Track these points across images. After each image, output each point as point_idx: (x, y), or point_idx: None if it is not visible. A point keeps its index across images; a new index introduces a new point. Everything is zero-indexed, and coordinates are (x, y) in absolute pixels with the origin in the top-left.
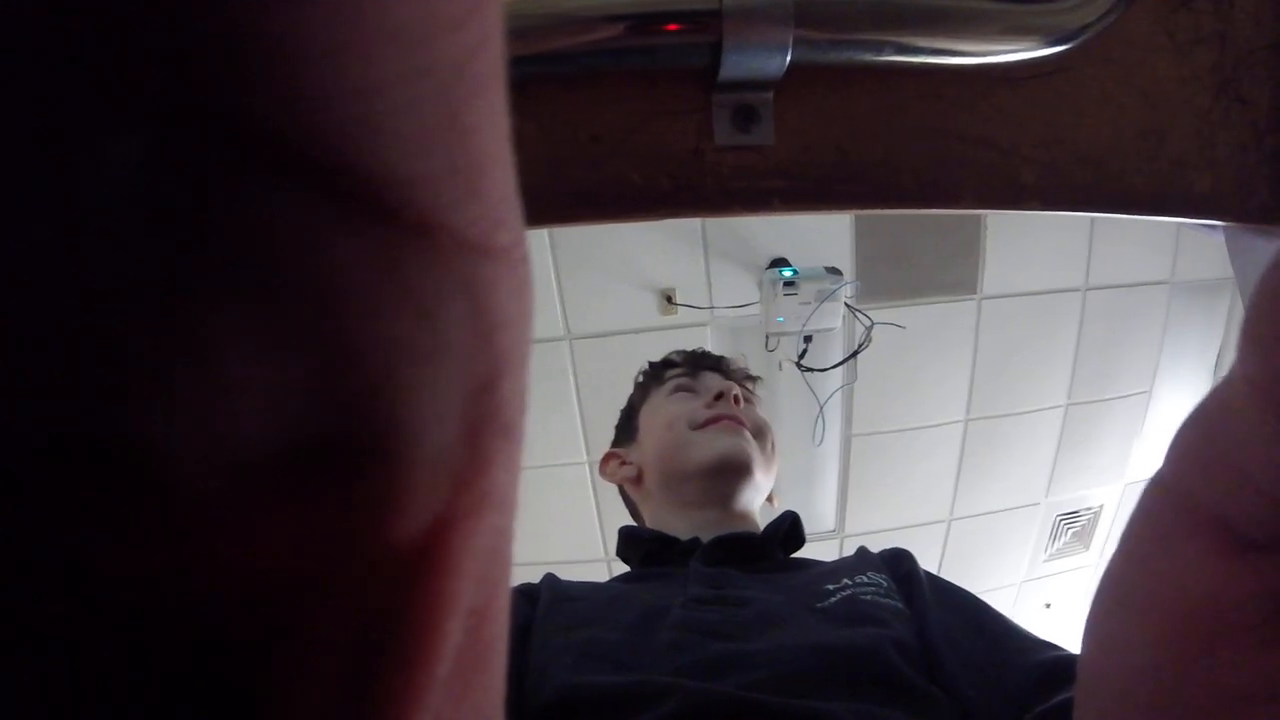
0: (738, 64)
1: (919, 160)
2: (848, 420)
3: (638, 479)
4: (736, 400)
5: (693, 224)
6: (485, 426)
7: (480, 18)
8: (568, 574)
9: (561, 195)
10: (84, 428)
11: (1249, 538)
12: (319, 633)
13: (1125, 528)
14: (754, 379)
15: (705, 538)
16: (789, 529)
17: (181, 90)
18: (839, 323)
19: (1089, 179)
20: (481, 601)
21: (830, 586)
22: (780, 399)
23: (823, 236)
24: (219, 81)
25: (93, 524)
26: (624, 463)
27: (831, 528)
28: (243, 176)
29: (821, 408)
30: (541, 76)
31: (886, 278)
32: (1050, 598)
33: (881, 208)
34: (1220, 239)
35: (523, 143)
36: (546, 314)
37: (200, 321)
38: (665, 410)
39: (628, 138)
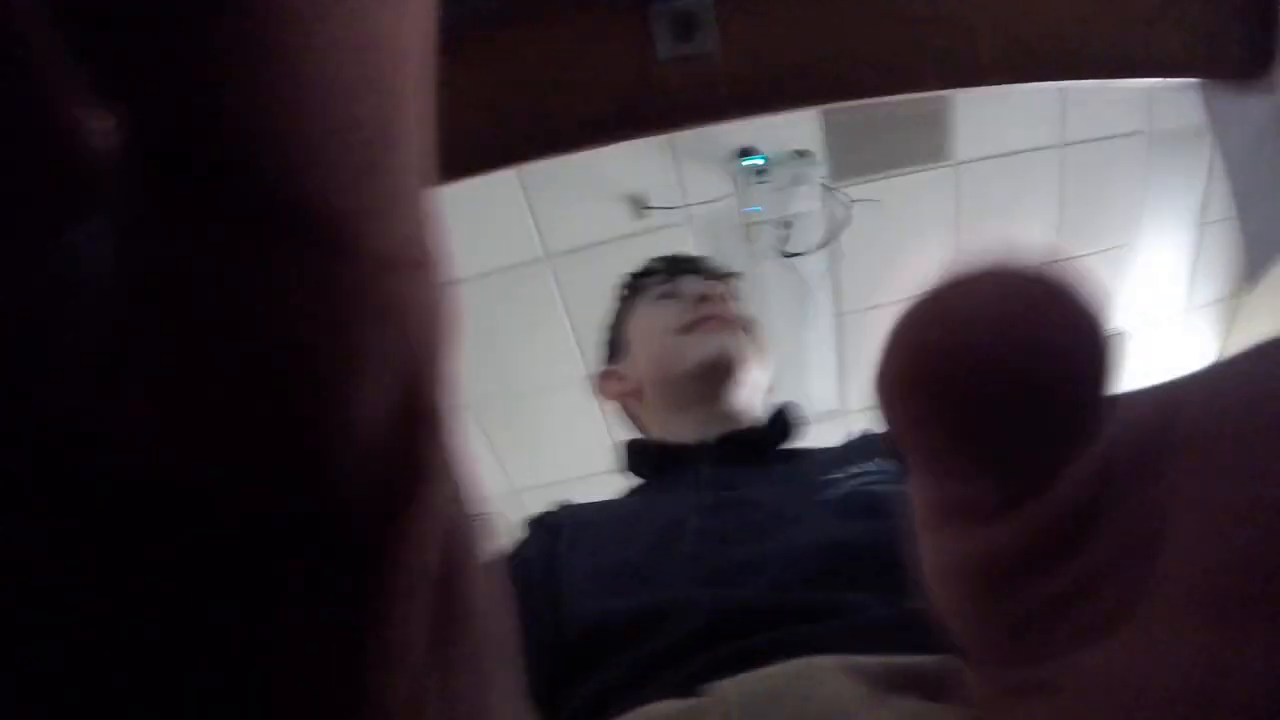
0: None
1: (874, 48)
2: (838, 300)
3: (636, 392)
4: (719, 299)
5: None
6: (415, 425)
7: (404, 75)
8: (586, 489)
9: (506, 136)
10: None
11: (982, 511)
12: (297, 612)
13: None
14: (734, 274)
15: (710, 438)
16: (789, 418)
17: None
18: (817, 205)
19: (1052, 47)
20: (449, 571)
21: (838, 475)
22: (768, 288)
23: (788, 121)
24: (199, 134)
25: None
26: (620, 378)
27: (834, 407)
28: (206, 215)
29: (811, 291)
30: (465, 19)
31: (858, 154)
32: None
33: (840, 100)
34: (1194, 95)
35: (453, 88)
36: (522, 238)
37: (154, 354)
38: (651, 319)
39: (566, 68)
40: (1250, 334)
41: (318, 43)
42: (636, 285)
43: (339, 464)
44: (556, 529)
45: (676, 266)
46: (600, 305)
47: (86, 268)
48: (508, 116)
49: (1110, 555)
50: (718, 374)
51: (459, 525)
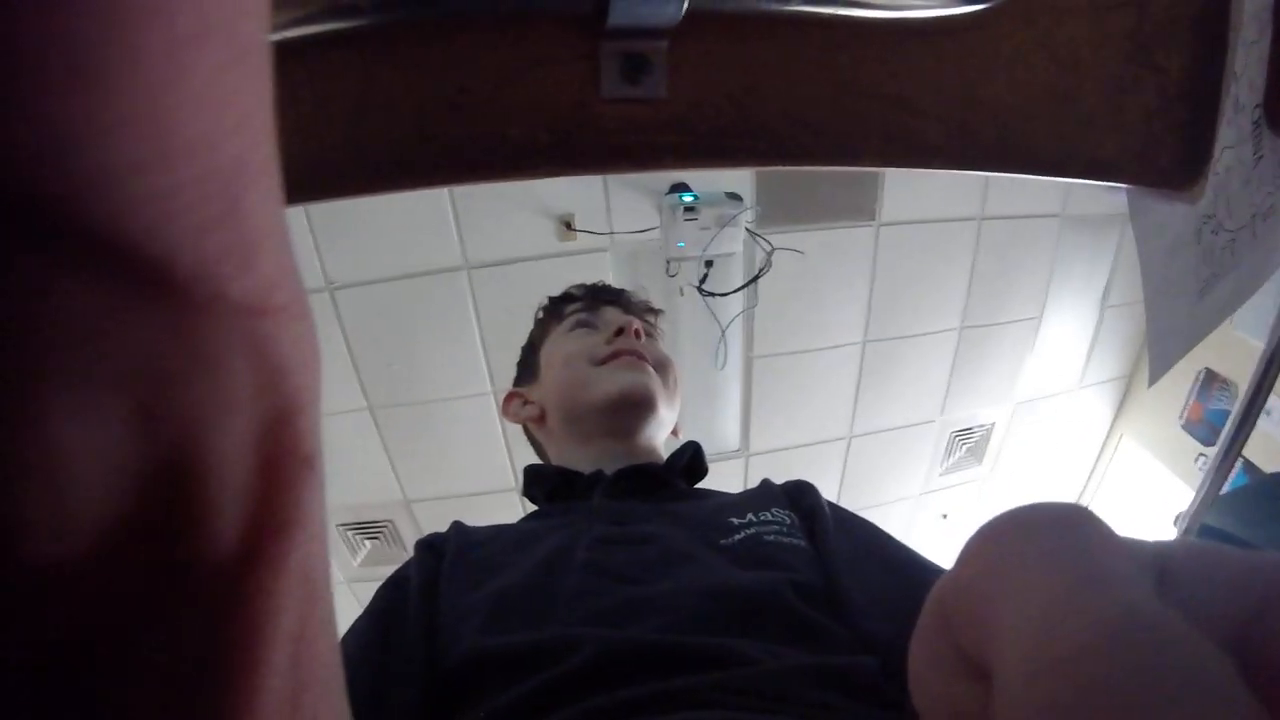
0: (628, 9)
1: (821, 116)
2: (749, 343)
3: (540, 417)
4: (637, 334)
5: None
6: (284, 458)
7: (255, 122)
8: (479, 506)
9: (429, 152)
10: None
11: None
12: (151, 664)
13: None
14: (655, 312)
15: (608, 471)
16: (690, 458)
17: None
18: (739, 247)
19: (995, 138)
20: (302, 626)
21: (734, 520)
22: (682, 324)
23: None
24: (40, 182)
25: None
26: (526, 401)
27: (736, 447)
28: (51, 267)
29: (723, 331)
30: (403, 23)
31: (787, 203)
32: (946, 509)
33: (780, 164)
34: (1119, 195)
35: (385, 96)
36: (444, 243)
37: (16, 398)
38: (565, 346)
39: (502, 89)
40: (1141, 415)
41: (177, 100)
42: (556, 310)
43: (199, 512)
44: (441, 552)
45: (598, 296)
46: (513, 321)
47: None
48: (443, 132)
49: None
50: (626, 410)
51: (317, 584)
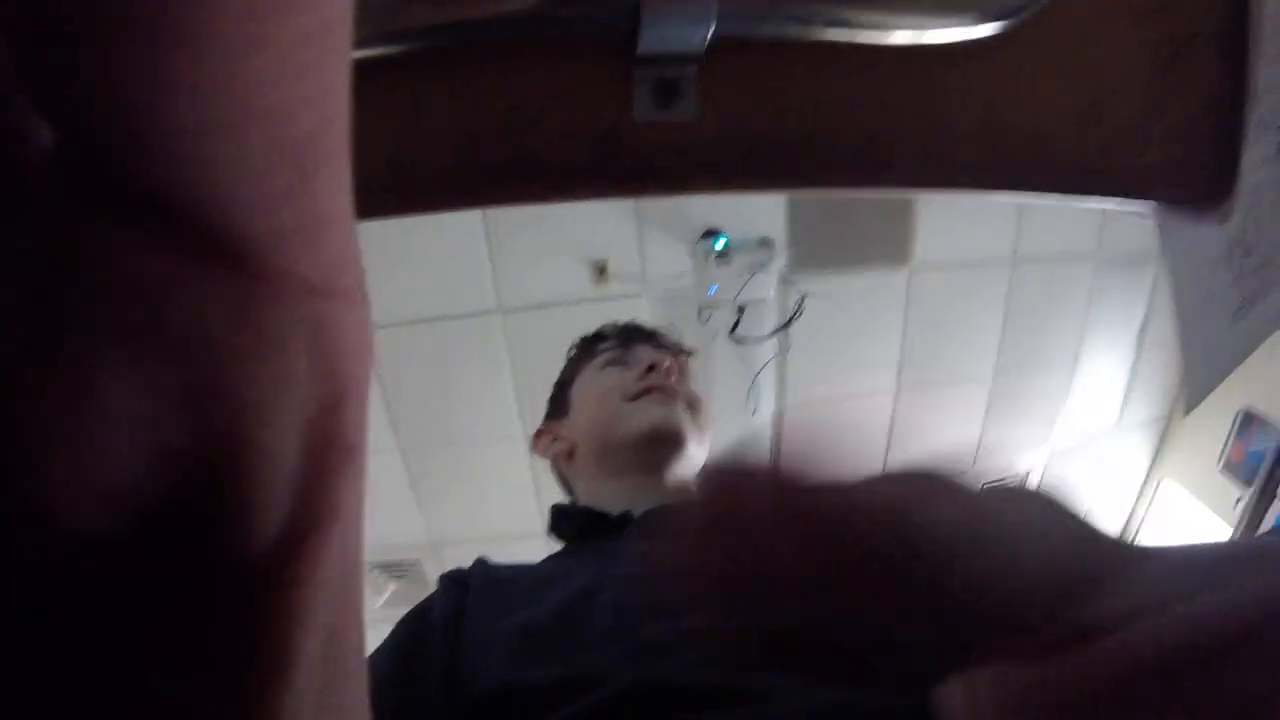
0: (658, 36)
1: (850, 139)
2: (782, 390)
3: (570, 454)
4: (669, 372)
5: None
6: (330, 447)
7: (331, 98)
8: (506, 549)
9: (472, 174)
10: None
11: None
12: (184, 651)
13: None
14: (687, 351)
15: (637, 510)
16: None
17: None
18: (772, 293)
19: (1023, 159)
20: (335, 620)
21: None
22: (715, 370)
23: (756, 207)
24: (114, 145)
25: None
26: (556, 438)
27: None
28: (118, 232)
29: (755, 378)
30: (457, 45)
31: (819, 248)
32: None
33: (810, 187)
34: (1148, 221)
35: (436, 113)
36: (479, 286)
37: (70, 364)
38: (597, 383)
39: (544, 111)
40: (1182, 457)
41: (256, 65)
42: (589, 347)
43: (245, 498)
44: (466, 585)
45: (631, 335)
46: (546, 364)
47: None
48: (485, 154)
49: None
50: (656, 445)
51: (351, 578)
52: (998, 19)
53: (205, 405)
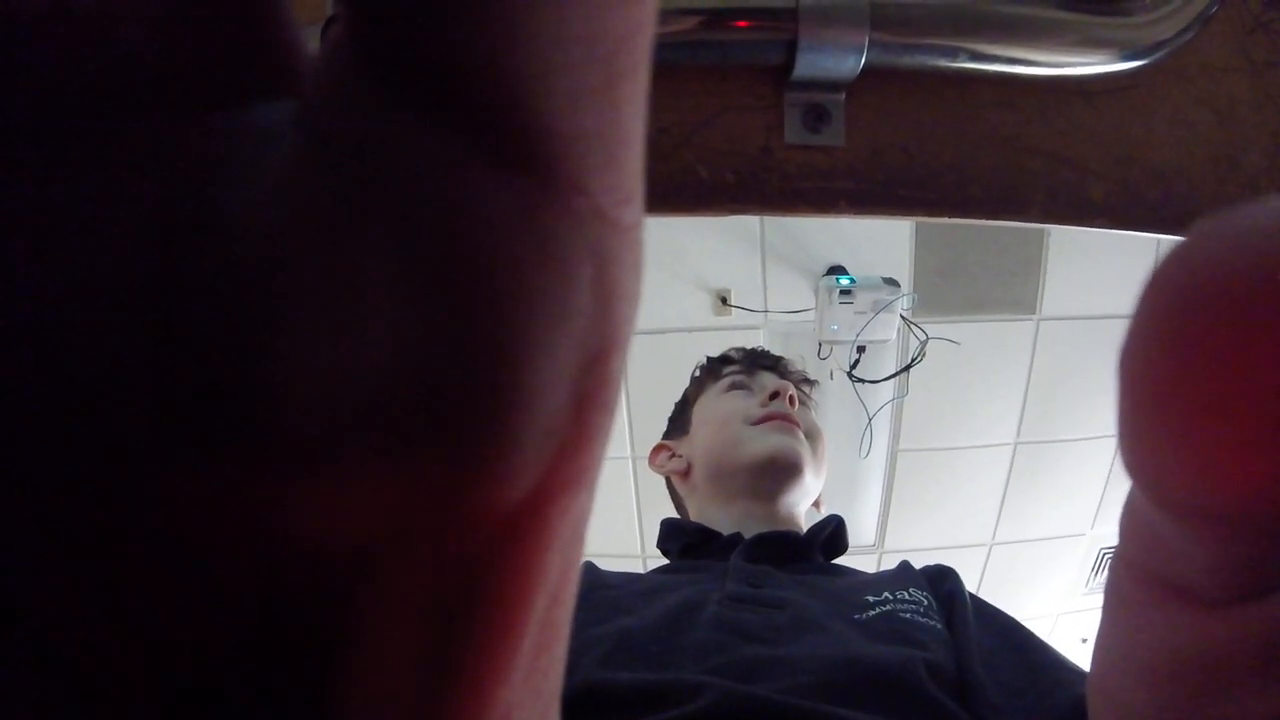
0: (811, 63)
1: (988, 170)
2: (895, 434)
3: (686, 472)
4: (791, 401)
5: (751, 226)
6: (591, 399)
7: (643, 2)
8: (603, 567)
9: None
10: (204, 371)
11: (1210, 598)
12: (403, 601)
13: (1104, 598)
14: (810, 382)
15: (748, 534)
16: (833, 532)
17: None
18: (893, 335)
19: (1158, 198)
20: (559, 582)
21: (870, 598)
22: (829, 408)
23: (881, 246)
24: (419, 34)
25: (186, 479)
26: (674, 455)
27: (871, 542)
28: (409, 120)
29: (870, 420)
30: None
31: (944, 292)
32: (1087, 632)
33: (948, 216)
34: None
35: None
36: None
37: (340, 252)
38: (720, 405)
39: (696, 131)
40: None
41: None
42: (713, 369)
43: (507, 437)
44: None
45: (756, 361)
46: (661, 389)
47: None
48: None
49: None
50: (774, 472)
51: (581, 540)
52: (1135, 57)
53: (477, 315)
